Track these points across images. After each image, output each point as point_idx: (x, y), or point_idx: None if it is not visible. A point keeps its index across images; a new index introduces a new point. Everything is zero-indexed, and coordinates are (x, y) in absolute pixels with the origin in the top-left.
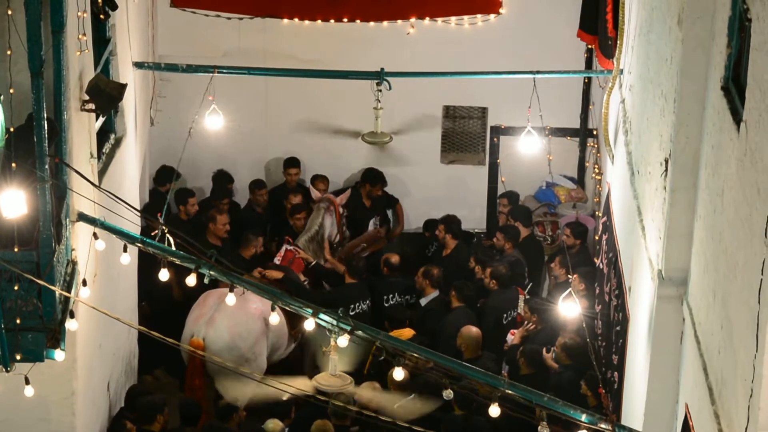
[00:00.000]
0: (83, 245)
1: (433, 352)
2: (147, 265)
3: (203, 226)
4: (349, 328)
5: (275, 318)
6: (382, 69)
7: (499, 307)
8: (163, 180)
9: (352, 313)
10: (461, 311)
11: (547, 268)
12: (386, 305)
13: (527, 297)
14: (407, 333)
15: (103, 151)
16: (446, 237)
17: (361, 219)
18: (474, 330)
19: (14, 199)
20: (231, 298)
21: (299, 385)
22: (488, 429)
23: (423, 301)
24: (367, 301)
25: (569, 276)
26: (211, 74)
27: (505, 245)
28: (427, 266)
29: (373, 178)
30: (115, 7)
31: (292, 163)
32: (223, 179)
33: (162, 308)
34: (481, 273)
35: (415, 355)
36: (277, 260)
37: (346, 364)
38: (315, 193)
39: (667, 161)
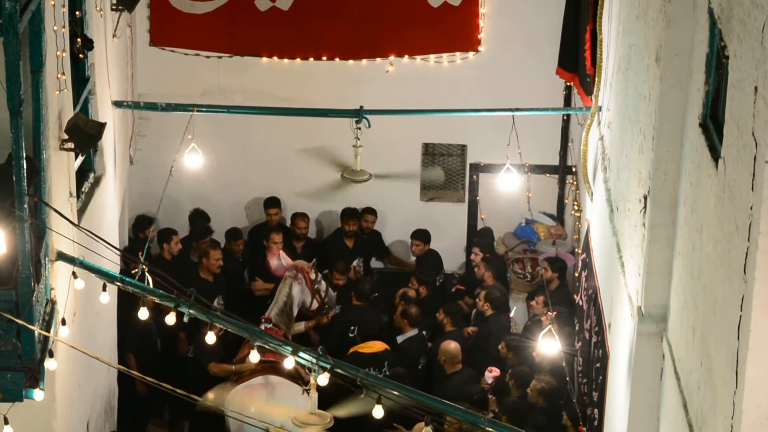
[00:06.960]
0: (62, 284)
1: (413, 390)
2: (130, 307)
3: (190, 264)
4: (329, 366)
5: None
6: (362, 107)
7: (505, 326)
8: (141, 227)
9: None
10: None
11: (527, 305)
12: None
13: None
14: (378, 345)
15: (83, 190)
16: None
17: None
18: (452, 344)
19: None
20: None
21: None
22: None
23: (399, 339)
24: None
25: (549, 313)
26: (190, 113)
27: (485, 274)
28: (406, 305)
29: (343, 215)
30: (91, 48)
31: (272, 203)
32: (199, 218)
33: (149, 353)
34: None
35: (395, 392)
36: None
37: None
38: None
39: (645, 198)
